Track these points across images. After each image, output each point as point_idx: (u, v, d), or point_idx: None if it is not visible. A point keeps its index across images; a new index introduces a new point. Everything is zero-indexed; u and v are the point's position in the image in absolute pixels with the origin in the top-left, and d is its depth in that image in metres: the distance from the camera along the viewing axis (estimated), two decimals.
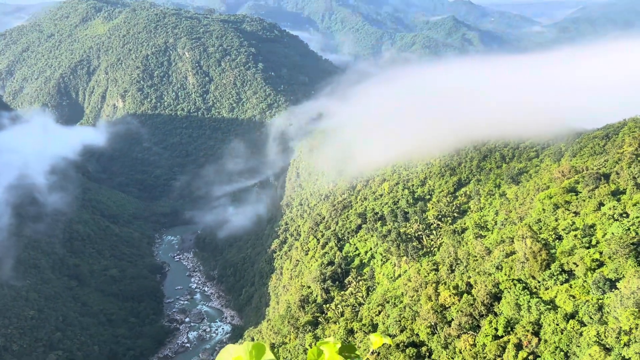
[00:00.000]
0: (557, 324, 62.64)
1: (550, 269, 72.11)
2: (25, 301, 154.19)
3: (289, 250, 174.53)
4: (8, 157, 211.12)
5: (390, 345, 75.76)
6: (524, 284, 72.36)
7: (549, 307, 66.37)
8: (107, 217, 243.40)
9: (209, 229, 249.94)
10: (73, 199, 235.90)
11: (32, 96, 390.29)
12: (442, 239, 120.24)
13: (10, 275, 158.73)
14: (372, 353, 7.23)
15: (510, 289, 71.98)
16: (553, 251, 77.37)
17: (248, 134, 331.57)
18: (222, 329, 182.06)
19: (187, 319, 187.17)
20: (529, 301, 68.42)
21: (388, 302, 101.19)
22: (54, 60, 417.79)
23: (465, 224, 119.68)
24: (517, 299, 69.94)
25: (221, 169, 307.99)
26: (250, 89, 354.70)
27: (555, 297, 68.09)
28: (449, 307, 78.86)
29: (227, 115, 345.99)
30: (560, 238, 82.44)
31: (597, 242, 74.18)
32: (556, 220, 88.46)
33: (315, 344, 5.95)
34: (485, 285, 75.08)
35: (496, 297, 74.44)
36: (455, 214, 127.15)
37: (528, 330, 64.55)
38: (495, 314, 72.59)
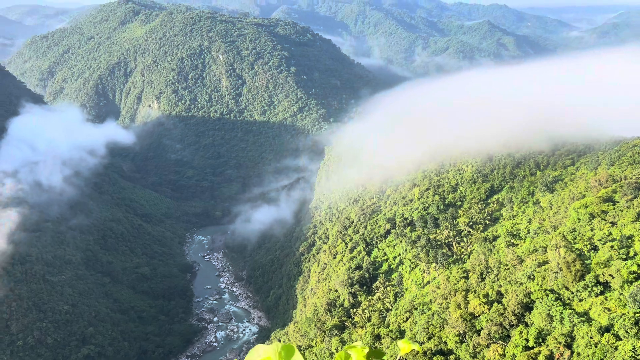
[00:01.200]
0: (591, 337, 60.87)
1: (584, 280, 70.17)
2: (60, 296, 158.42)
3: (317, 254, 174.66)
4: (46, 154, 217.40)
5: (418, 352, 74.96)
6: (556, 295, 70.62)
7: (583, 319, 64.58)
8: (140, 216, 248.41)
9: (238, 230, 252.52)
10: (108, 198, 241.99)
11: (71, 96, 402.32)
12: (472, 246, 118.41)
13: (47, 270, 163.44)
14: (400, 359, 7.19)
15: (542, 299, 70.33)
16: (588, 262, 75.29)
17: (279, 136, 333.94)
18: (250, 329, 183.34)
19: (215, 319, 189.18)
20: (562, 312, 66.73)
21: (416, 308, 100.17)
22: (92, 62, 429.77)
23: (497, 231, 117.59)
24: (550, 310, 68.29)
25: (252, 171, 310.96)
26: (282, 92, 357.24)
27: (590, 309, 66.21)
28: (479, 315, 77.55)
29: (258, 117, 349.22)
30: (595, 249, 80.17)
31: (635, 254, 71.84)
32: (592, 230, 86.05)
33: (342, 348, 5.96)
34: (517, 295, 73.56)
35: (527, 307, 72.85)
36: (487, 222, 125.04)
37: (560, 343, 62.92)
38: (526, 325, 71.02)
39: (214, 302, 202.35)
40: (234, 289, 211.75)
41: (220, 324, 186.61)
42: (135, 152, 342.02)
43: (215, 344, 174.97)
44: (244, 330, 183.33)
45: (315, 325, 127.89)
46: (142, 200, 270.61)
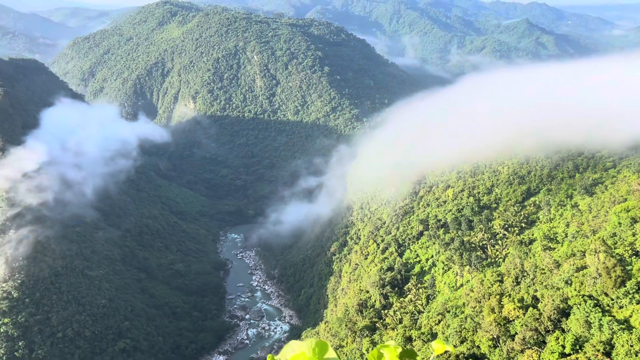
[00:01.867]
0: (632, 345, 58.90)
1: (625, 286, 67.97)
2: (98, 290, 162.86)
3: (349, 254, 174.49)
4: (86, 151, 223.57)
5: (450, 354, 74.05)
6: (595, 301, 68.63)
7: (623, 326, 62.55)
8: (175, 214, 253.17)
9: (271, 229, 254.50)
10: (145, 195, 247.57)
11: (111, 96, 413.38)
12: (507, 249, 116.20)
13: (86, 265, 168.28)
14: None
15: (580, 305, 68.46)
16: (629, 268, 72.89)
17: (312, 136, 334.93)
18: (281, 327, 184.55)
19: (247, 316, 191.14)
20: (601, 319, 64.79)
21: (449, 311, 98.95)
22: (131, 62, 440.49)
23: (533, 235, 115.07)
24: (588, 316, 66.40)
25: (284, 170, 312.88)
26: (316, 92, 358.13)
27: (630, 316, 64.08)
28: (513, 320, 76.05)
29: (292, 117, 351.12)
30: (637, 254, 77.57)
31: None
32: (633, 235, 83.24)
33: (375, 347, 5.99)
34: (553, 300, 71.80)
35: (564, 312, 71.03)
36: (523, 224, 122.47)
37: (599, 350, 61.11)
38: (563, 331, 69.24)
39: (246, 299, 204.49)
40: (266, 287, 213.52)
41: (252, 321, 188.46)
42: (171, 150, 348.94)
43: (247, 341, 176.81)
44: (275, 328, 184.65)
45: (346, 325, 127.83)
46: (178, 198, 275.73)
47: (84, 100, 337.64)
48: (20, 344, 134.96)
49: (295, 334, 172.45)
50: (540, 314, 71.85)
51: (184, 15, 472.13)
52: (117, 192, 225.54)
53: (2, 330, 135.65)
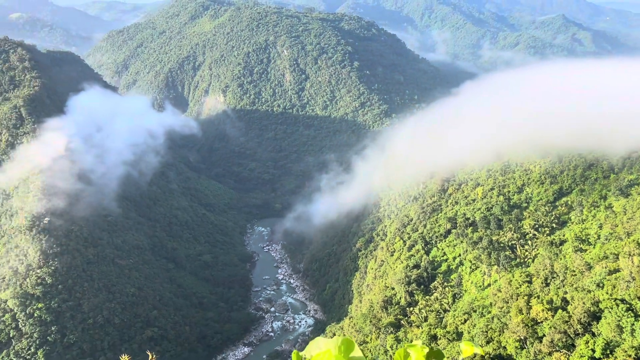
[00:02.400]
0: None
1: None
2: (128, 279, 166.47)
3: (374, 250, 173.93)
4: (118, 141, 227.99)
5: (478, 356, 73.23)
6: (628, 305, 66.78)
7: None
8: (204, 206, 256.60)
9: (297, 223, 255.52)
10: (175, 187, 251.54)
11: (143, 89, 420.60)
12: (537, 250, 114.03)
13: (116, 254, 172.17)
14: None
15: (611, 308, 66.73)
16: None
17: (340, 131, 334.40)
18: (305, 321, 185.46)
19: (272, 309, 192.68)
20: (634, 324, 63.04)
21: (475, 311, 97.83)
22: (164, 56, 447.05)
23: (564, 235, 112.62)
24: (620, 321, 64.69)
25: (312, 165, 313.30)
26: (345, 87, 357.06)
27: None
28: (541, 322, 74.69)
29: (320, 112, 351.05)
30: None
31: None
32: None
33: (402, 346, 5.94)
34: (584, 303, 70.21)
35: (595, 316, 69.38)
36: (554, 225, 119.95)
37: (630, 356, 59.51)
38: (593, 334, 67.67)
39: (272, 292, 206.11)
40: (291, 281, 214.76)
41: (277, 314, 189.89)
42: (201, 143, 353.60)
43: (272, 334, 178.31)
44: (300, 322, 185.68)
45: (371, 321, 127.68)
46: (207, 190, 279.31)
47: (117, 92, 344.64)
48: (52, 328, 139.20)
49: (319, 328, 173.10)
50: (570, 316, 70.37)
51: (215, 9, 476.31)
52: (148, 182, 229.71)
53: (36, 314, 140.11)
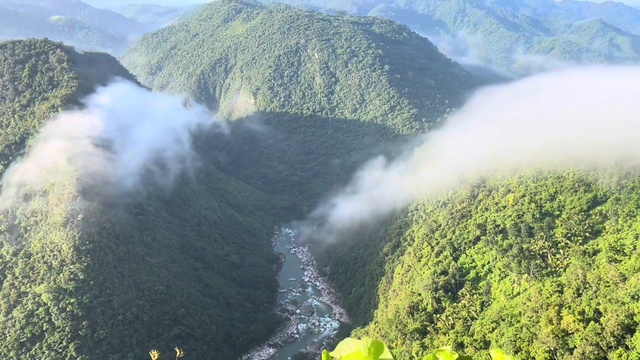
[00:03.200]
0: None
1: None
2: (157, 277, 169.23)
3: (401, 255, 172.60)
4: (152, 140, 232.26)
5: None
6: None
7: None
8: (232, 206, 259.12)
9: (324, 225, 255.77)
10: (205, 187, 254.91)
11: (176, 90, 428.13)
12: (569, 259, 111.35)
13: (147, 252, 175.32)
14: None
15: None
16: None
17: (369, 135, 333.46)
18: (330, 324, 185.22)
19: (297, 311, 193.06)
20: None
21: (503, 319, 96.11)
22: (196, 58, 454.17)
23: (598, 245, 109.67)
24: None
25: (340, 168, 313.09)
26: (375, 90, 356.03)
27: None
28: (572, 333, 72.89)
29: (349, 116, 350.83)
30: None
31: None
32: None
33: (432, 351, 5.92)
34: (617, 315, 68.22)
35: (629, 329, 67.34)
36: (587, 234, 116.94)
37: None
38: (627, 348, 65.69)
39: (298, 294, 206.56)
40: (317, 283, 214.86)
41: (302, 316, 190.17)
42: (231, 145, 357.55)
43: (297, 336, 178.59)
44: (325, 325, 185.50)
45: (397, 327, 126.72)
46: (235, 192, 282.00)
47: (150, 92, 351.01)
48: (84, 323, 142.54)
49: (344, 332, 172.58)
50: (603, 328, 68.46)
51: (248, 13, 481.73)
52: (179, 182, 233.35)
53: (68, 309, 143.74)
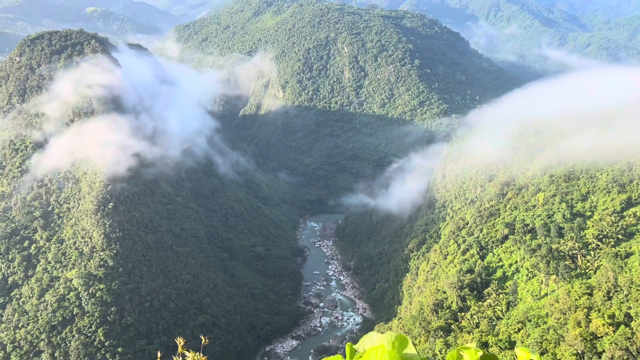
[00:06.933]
0: None
1: None
2: (184, 266, 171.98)
3: (427, 252, 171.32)
4: (180, 132, 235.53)
5: None
6: None
7: None
8: (259, 198, 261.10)
9: (349, 220, 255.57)
10: (233, 179, 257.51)
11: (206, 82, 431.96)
12: (600, 261, 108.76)
13: (174, 241, 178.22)
14: None
15: None
16: None
17: (397, 130, 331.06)
18: (354, 319, 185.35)
19: (321, 304, 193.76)
20: None
21: (530, 320, 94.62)
22: (226, 50, 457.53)
23: (630, 248, 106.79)
24: None
25: (367, 163, 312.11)
26: (404, 85, 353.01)
27: None
28: (601, 337, 71.31)
29: (377, 111, 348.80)
30: None
31: None
32: None
33: (455, 348, 5.86)
34: None
35: None
36: (620, 236, 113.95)
37: None
38: None
39: (321, 288, 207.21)
40: (341, 278, 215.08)
41: (325, 309, 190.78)
42: (259, 137, 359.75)
43: (320, 329, 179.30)
44: (348, 319, 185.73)
45: (420, 324, 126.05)
46: (262, 184, 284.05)
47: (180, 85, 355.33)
48: (112, 309, 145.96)
49: (367, 327, 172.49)
50: (633, 333, 66.79)
51: (279, 6, 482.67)
52: (207, 174, 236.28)
53: (97, 295, 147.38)
